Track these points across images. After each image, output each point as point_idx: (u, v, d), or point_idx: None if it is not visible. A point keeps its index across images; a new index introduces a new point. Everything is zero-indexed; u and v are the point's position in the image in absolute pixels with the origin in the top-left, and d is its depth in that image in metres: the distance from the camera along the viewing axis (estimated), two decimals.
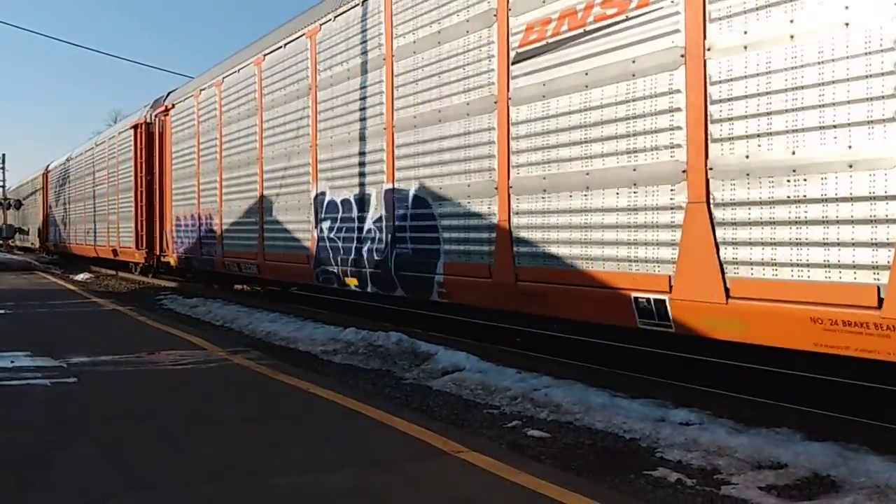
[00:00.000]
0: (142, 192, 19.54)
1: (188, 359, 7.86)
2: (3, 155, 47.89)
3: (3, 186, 47.71)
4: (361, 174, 9.67)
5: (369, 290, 9.49)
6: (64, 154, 32.67)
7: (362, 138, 9.61)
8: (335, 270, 10.20)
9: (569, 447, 5.16)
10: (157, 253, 18.91)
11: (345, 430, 5.19)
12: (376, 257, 9.21)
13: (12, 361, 7.69)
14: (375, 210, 9.32)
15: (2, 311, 12.64)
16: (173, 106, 17.58)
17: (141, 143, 19.66)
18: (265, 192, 12.54)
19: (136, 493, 3.93)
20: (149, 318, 11.75)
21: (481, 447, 4.72)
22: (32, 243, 40.41)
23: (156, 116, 18.78)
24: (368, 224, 9.47)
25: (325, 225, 10.47)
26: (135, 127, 20.22)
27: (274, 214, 12.18)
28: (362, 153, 9.62)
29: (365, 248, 9.52)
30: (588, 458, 4.91)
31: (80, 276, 23.29)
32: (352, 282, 9.84)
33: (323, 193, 10.56)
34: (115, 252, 22.61)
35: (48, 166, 35.56)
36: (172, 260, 17.74)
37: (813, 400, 5.76)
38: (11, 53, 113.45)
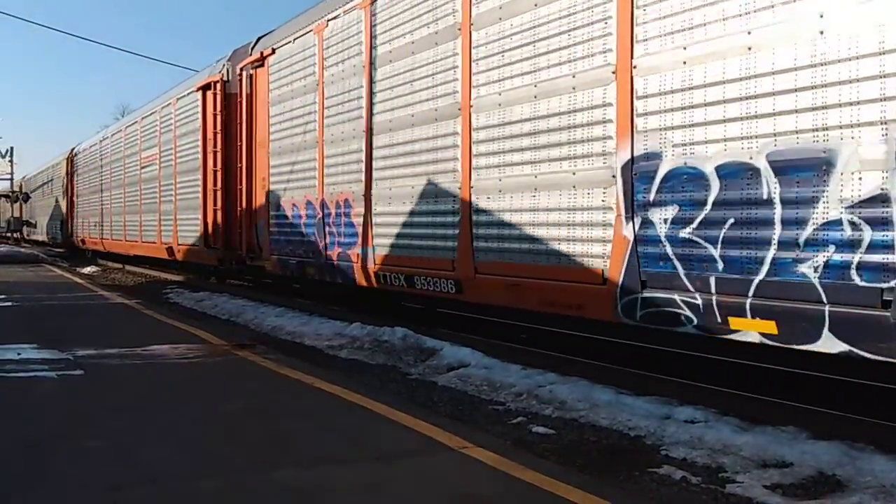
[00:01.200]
0: (216, 172, 14.82)
1: (194, 352, 7.88)
2: (11, 148, 47.94)
3: (11, 179, 47.81)
4: None
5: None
6: (94, 134, 28.61)
7: None
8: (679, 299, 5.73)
9: (573, 444, 5.15)
10: (242, 253, 13.96)
11: (349, 424, 5.20)
12: None
13: (19, 353, 7.72)
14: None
15: (9, 304, 12.69)
16: (273, 52, 12.48)
17: (214, 109, 14.85)
18: (480, 163, 7.77)
19: (140, 484, 3.94)
20: (155, 311, 11.78)
21: (486, 443, 4.71)
22: (52, 238, 35.83)
23: (241, 71, 13.79)
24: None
25: (660, 215, 5.81)
26: (204, 88, 15.31)
27: (505, 197, 7.44)
28: None
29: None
30: (592, 455, 4.90)
31: (87, 270, 23.37)
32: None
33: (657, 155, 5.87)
34: (170, 251, 18.01)
35: (73, 149, 30.72)
36: (269, 264, 12.74)
37: (819, 399, 5.74)
38: (15, 46, 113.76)
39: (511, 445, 4.98)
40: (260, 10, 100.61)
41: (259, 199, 13.04)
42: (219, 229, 15.01)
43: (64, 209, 31.71)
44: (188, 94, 16.60)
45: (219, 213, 14.92)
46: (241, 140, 13.80)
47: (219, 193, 14.90)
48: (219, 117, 14.80)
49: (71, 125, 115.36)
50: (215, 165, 14.90)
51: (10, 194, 44.54)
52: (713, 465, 4.64)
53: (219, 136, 14.77)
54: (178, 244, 17.51)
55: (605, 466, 4.66)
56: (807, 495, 4.17)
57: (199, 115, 15.54)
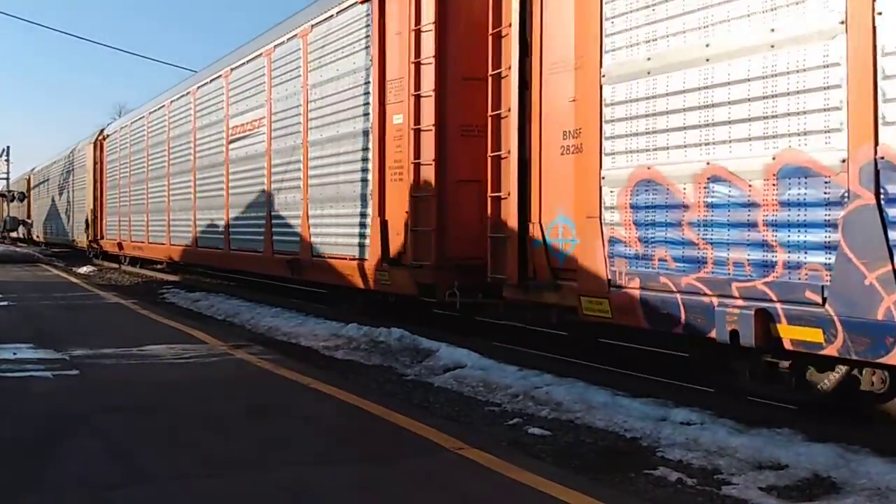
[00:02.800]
0: (417, 133, 8.80)
1: (190, 353, 7.87)
2: (8, 147, 47.92)
3: (7, 179, 47.70)
4: None
5: None
6: (134, 111, 22.90)
7: None
8: None
9: (569, 445, 5.16)
10: (492, 274, 7.58)
11: (346, 425, 5.20)
12: None
13: (14, 353, 7.71)
14: None
15: (5, 303, 12.66)
16: None
17: (419, 20, 8.77)
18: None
19: (136, 485, 3.94)
20: (151, 311, 11.76)
21: (482, 444, 4.72)
22: (59, 237, 31.56)
23: None
24: None
25: None
26: None
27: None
28: None
29: None
30: (588, 457, 4.91)
31: (83, 269, 23.31)
32: None
33: None
34: (293, 266, 11.63)
35: (103, 131, 25.52)
36: (601, 307, 6.28)
37: (815, 401, 5.74)
38: (13, 45, 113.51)
39: (507, 447, 4.99)
40: (258, 10, 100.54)
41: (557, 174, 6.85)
42: (424, 234, 8.69)
43: (89, 205, 25.53)
44: (349, 5, 10.14)
45: (432, 202, 8.63)
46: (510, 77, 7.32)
47: (425, 171, 8.69)
48: (431, 35, 8.61)
49: (69, 125, 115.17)
50: (416, 122, 8.76)
51: (6, 193, 44.30)
52: (709, 466, 4.65)
53: (430, 67, 8.67)
54: (325, 256, 10.80)
55: (601, 468, 4.67)
56: (802, 497, 4.18)
57: (371, 41, 9.49)
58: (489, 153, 7.63)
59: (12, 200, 43.23)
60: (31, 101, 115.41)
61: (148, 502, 3.73)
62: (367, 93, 9.74)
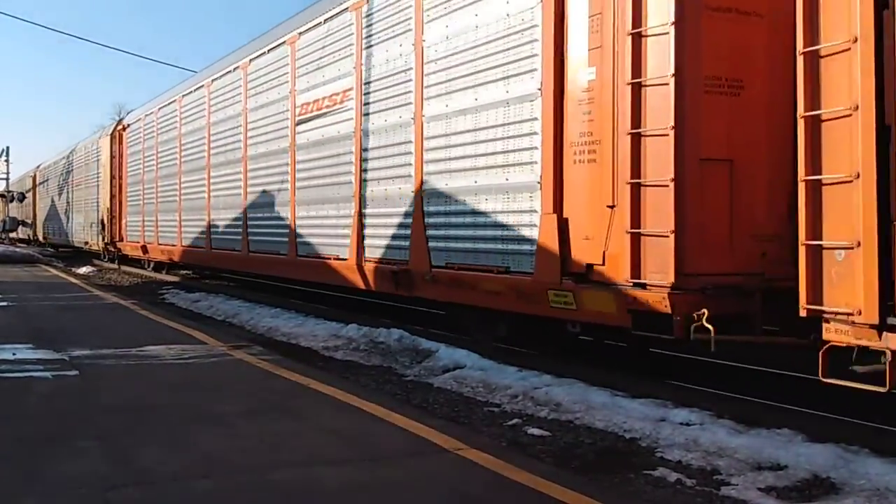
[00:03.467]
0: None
1: (190, 353, 7.87)
2: (7, 148, 47.84)
3: (7, 179, 47.67)
4: None
5: None
6: (159, 97, 19.70)
7: None
8: None
9: (569, 446, 5.16)
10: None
11: (345, 425, 5.19)
12: None
13: (14, 354, 7.70)
14: None
15: (4, 304, 12.65)
16: None
17: None
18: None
19: (135, 485, 3.93)
20: (151, 312, 11.76)
21: (481, 445, 4.72)
22: (68, 238, 29.34)
23: None
24: None
25: None
26: None
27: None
28: None
29: None
30: (588, 457, 4.91)
31: (83, 270, 23.30)
32: None
33: None
34: (400, 278, 8.91)
35: (122, 120, 23.44)
36: None
37: (814, 401, 5.75)
38: (11, 45, 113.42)
39: (506, 447, 5.00)
40: (259, 10, 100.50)
41: None
42: (652, 239, 6.00)
43: (104, 203, 23.35)
44: None
45: (666, 192, 5.93)
46: None
47: (650, 145, 6.04)
48: None
49: (67, 126, 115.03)
50: (636, 74, 6.11)
51: (6, 194, 44.21)
52: (708, 467, 4.65)
53: None
54: (449, 266, 8.10)
55: (601, 468, 4.67)
56: (801, 498, 4.18)
57: None
58: (803, 112, 4.74)
59: (12, 201, 43.20)
60: (32, 101, 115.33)
61: (147, 503, 3.73)
62: (533, 40, 7.01)
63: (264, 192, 12.78)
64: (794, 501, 4.14)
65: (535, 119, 6.96)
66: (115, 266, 23.64)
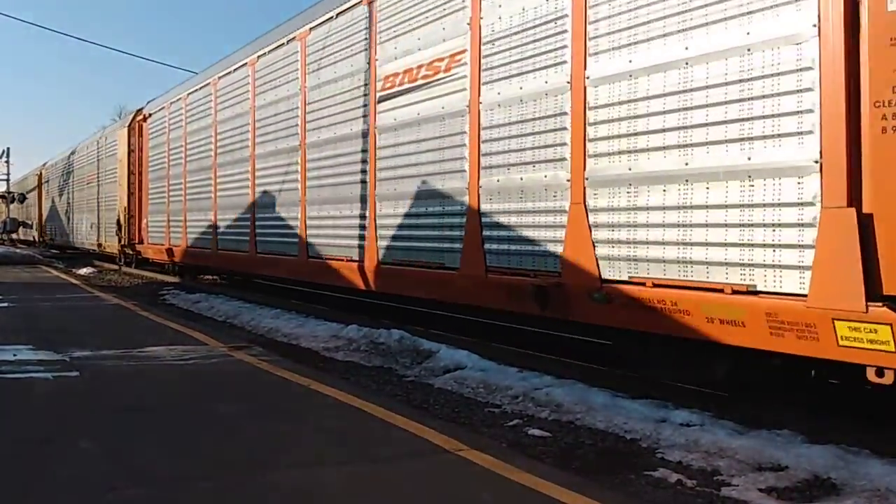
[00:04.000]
0: None
1: (190, 354, 7.87)
2: (8, 149, 47.91)
3: (8, 180, 47.70)
4: None
5: None
6: (188, 81, 17.43)
7: None
8: None
9: (569, 447, 5.16)
10: None
11: (346, 426, 5.20)
12: None
13: (15, 355, 7.71)
14: None
15: (5, 305, 12.65)
16: None
17: None
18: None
19: (136, 486, 3.93)
20: (151, 312, 11.76)
21: (482, 446, 4.72)
22: (78, 240, 27.26)
23: None
24: None
25: None
26: None
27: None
28: None
29: None
30: (588, 458, 4.91)
31: (83, 271, 23.30)
32: None
33: None
34: (544, 296, 6.67)
35: (141, 111, 20.43)
36: None
37: (814, 402, 5.75)
38: (9, 44, 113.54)
39: (507, 448, 5.00)
40: (261, 10, 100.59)
41: None
42: None
43: (122, 202, 21.27)
44: None
45: None
46: None
47: None
48: None
49: (67, 126, 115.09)
50: None
51: (7, 195, 44.23)
52: (708, 468, 4.65)
53: None
54: (625, 280, 6.06)
55: (601, 469, 4.67)
56: (802, 499, 4.19)
57: None
58: None
59: (12, 202, 43.23)
60: (31, 101, 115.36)
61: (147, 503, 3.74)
62: None
63: (323, 185, 10.52)
64: (794, 502, 4.14)
65: (810, 68, 4.79)
66: (116, 267, 23.63)
